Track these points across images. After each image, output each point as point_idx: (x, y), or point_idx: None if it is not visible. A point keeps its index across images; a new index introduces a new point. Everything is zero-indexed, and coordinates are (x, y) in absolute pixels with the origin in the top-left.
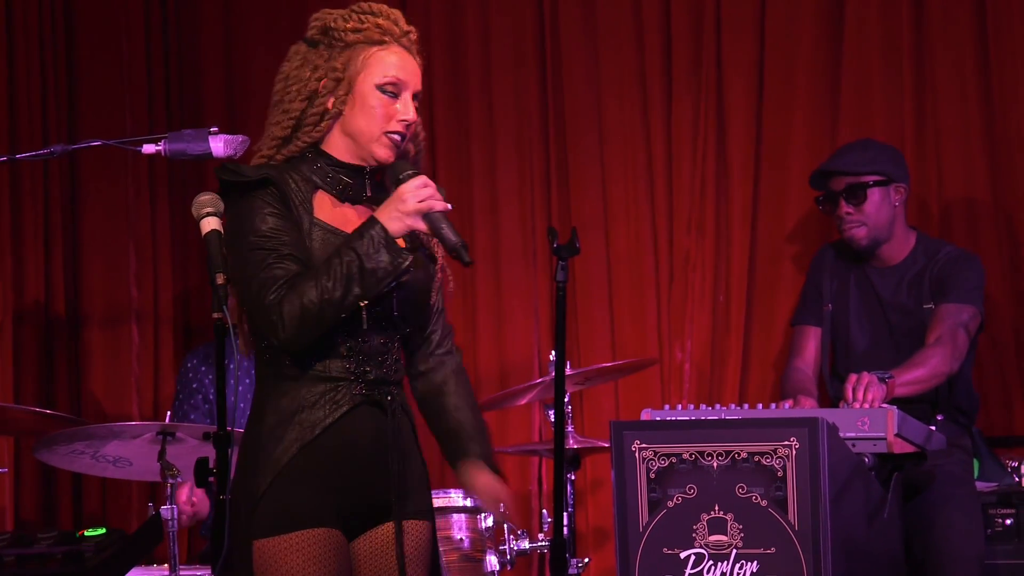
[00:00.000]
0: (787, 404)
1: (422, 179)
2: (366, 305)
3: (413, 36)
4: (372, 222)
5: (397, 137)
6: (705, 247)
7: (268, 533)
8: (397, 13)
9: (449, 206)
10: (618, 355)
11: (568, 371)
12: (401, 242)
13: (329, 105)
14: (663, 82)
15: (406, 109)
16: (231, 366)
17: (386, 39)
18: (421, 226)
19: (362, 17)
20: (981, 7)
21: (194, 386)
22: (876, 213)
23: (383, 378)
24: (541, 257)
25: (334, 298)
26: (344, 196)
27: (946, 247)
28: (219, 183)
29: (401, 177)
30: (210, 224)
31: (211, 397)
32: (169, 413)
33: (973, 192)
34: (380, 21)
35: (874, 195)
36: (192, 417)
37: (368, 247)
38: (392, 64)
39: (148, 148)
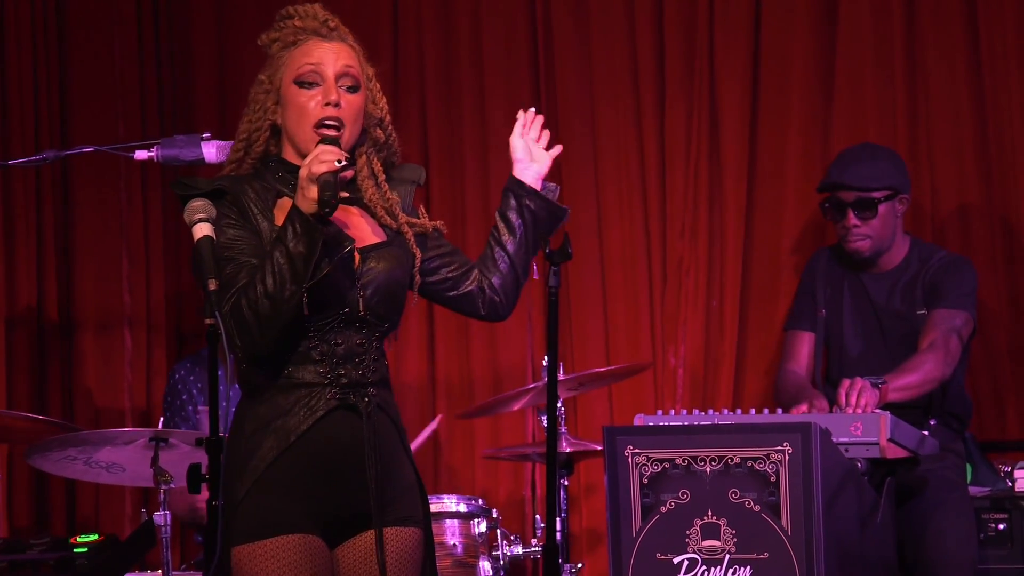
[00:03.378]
0: (802, 408)
1: (316, 149)
2: (314, 305)
3: (332, 23)
4: (291, 208)
5: (330, 129)
6: (699, 252)
7: (245, 540)
8: (315, 7)
9: (331, 164)
10: (612, 360)
11: (561, 376)
12: (374, 232)
13: (267, 118)
14: (656, 86)
15: (327, 92)
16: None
17: (301, 37)
18: (314, 194)
19: (280, 24)
20: (972, 13)
21: (184, 397)
22: (882, 227)
23: (359, 380)
24: (534, 262)
25: (272, 292)
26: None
27: (939, 252)
28: (178, 198)
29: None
30: (202, 230)
31: (200, 407)
32: (162, 420)
33: (966, 197)
34: (295, 22)
35: (882, 209)
36: (183, 429)
37: (290, 233)
38: (305, 55)
39: (140, 154)
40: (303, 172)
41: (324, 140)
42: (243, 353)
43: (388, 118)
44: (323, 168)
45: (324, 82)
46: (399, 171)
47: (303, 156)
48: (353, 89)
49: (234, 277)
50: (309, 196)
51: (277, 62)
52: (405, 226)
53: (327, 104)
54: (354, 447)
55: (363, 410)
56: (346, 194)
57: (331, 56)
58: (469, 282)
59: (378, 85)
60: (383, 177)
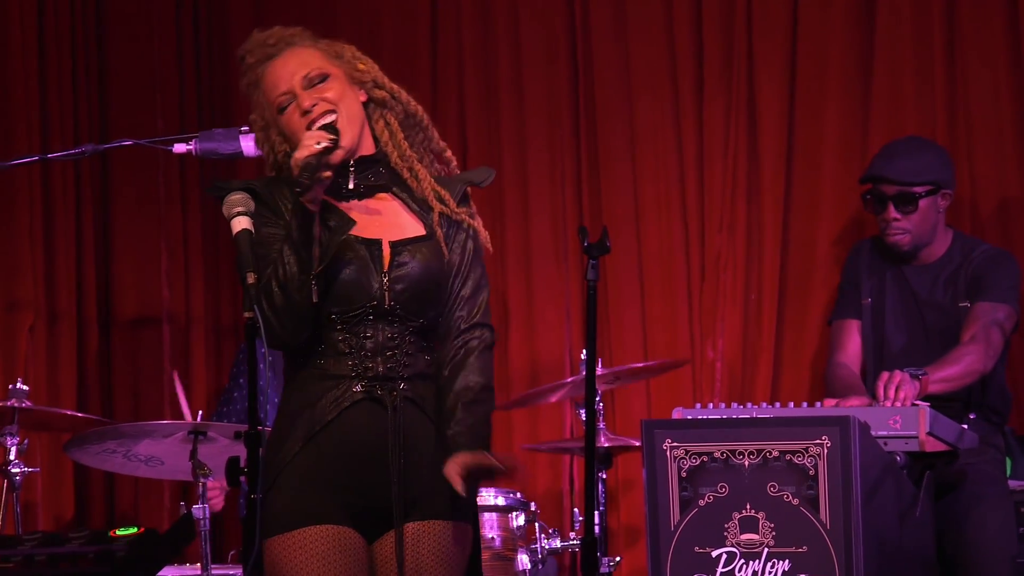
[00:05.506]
0: (830, 403)
1: (304, 136)
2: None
3: (272, 40)
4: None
5: (315, 128)
6: (737, 246)
7: (275, 531)
8: (260, 36)
9: (318, 147)
10: (650, 354)
11: (599, 370)
12: (413, 226)
13: (281, 149)
14: (694, 81)
15: (300, 103)
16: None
17: (259, 70)
18: (305, 181)
19: (243, 69)
20: (1013, 8)
21: (245, 367)
22: (923, 221)
23: (388, 374)
24: (572, 256)
25: (283, 283)
26: (339, 196)
27: (982, 245)
28: (215, 200)
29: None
30: (241, 223)
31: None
32: (200, 413)
33: (1006, 190)
34: (249, 60)
35: (923, 204)
36: (225, 410)
37: (293, 224)
38: (271, 85)
39: (179, 148)
40: (292, 162)
41: (322, 126)
42: (269, 345)
43: (380, 76)
44: (304, 152)
45: (296, 96)
46: (467, 173)
47: None
48: (323, 78)
49: (265, 276)
50: (303, 182)
51: (257, 101)
52: (424, 175)
53: (304, 115)
54: (380, 440)
55: (388, 403)
56: (328, 173)
57: (286, 72)
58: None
59: (352, 50)
60: (402, 136)
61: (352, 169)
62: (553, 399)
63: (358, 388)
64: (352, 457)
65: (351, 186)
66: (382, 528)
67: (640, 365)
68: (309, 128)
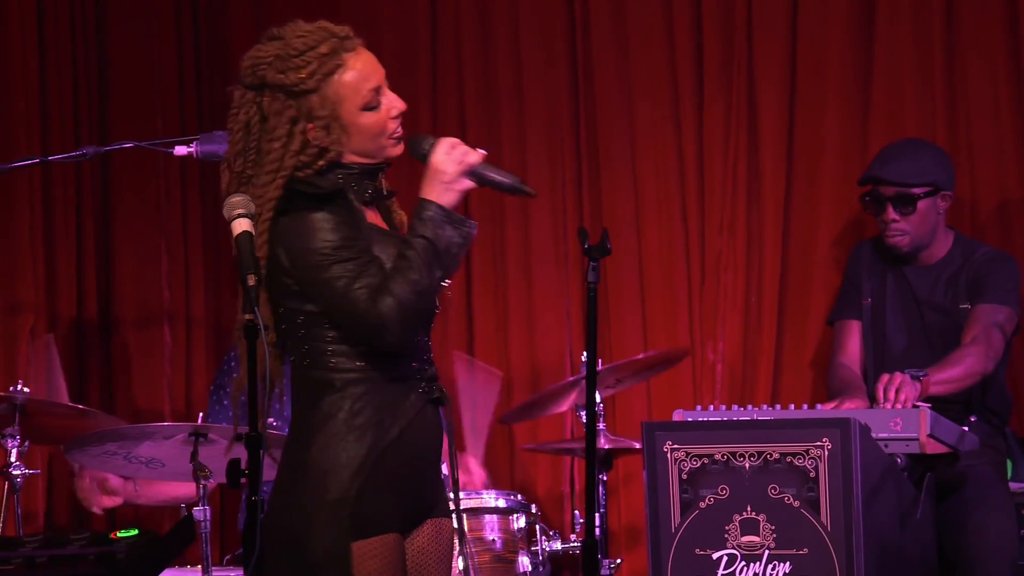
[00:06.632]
0: (831, 405)
1: (447, 142)
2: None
3: (345, 32)
4: (424, 204)
5: (400, 130)
6: (737, 247)
7: (358, 536)
8: (324, 27)
9: (483, 152)
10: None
11: (599, 368)
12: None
13: (326, 147)
14: (694, 83)
15: (392, 103)
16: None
17: (336, 59)
18: (470, 184)
19: (303, 59)
20: (1013, 5)
21: (233, 377)
22: (921, 223)
23: (433, 374)
24: (573, 258)
25: (423, 286)
26: (370, 200)
27: (983, 247)
28: (293, 194)
29: (426, 150)
30: (241, 225)
31: (243, 397)
32: (201, 415)
33: (1006, 192)
34: (322, 49)
35: (922, 206)
36: (218, 409)
37: (433, 228)
38: (358, 78)
39: (180, 150)
40: (448, 167)
41: (434, 141)
42: (388, 347)
43: None
44: (477, 159)
45: (384, 95)
46: None
47: (367, 160)
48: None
49: (365, 275)
50: (458, 188)
51: (324, 92)
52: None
53: (397, 117)
54: (434, 440)
55: (447, 403)
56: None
57: (370, 68)
58: None
59: None
60: None
61: (382, 175)
62: (563, 407)
63: (423, 389)
64: (419, 460)
65: (384, 191)
66: (411, 528)
67: (640, 356)
68: (391, 135)
